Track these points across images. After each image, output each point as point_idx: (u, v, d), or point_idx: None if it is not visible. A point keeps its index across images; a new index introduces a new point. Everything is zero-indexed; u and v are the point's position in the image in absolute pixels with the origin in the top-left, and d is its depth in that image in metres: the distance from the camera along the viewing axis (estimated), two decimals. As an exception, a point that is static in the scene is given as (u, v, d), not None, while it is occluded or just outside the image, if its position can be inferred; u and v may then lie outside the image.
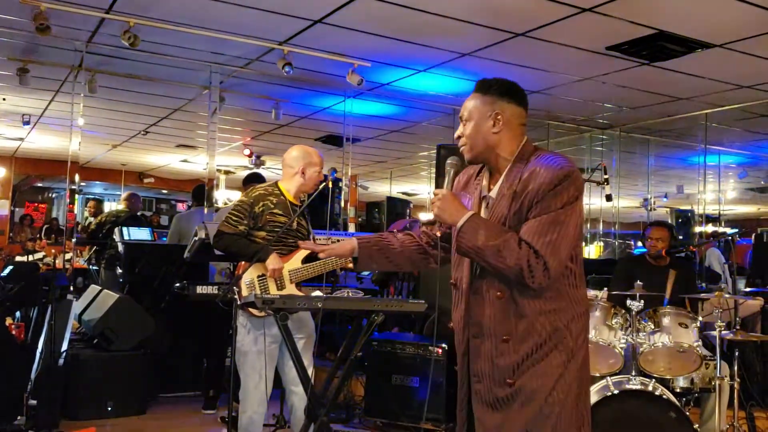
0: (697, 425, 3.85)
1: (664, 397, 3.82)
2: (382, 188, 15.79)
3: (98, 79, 7.10)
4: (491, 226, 2.22)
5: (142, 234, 7.24)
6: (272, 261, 3.61)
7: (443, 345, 5.01)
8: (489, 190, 2.36)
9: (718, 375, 4.10)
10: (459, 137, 2.36)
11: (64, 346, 5.01)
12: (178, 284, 4.81)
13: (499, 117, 2.29)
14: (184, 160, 13.66)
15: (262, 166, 12.36)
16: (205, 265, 5.67)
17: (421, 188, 15.95)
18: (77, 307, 5.76)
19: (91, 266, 8.15)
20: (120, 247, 6.82)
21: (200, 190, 7.11)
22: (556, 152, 2.32)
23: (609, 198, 6.34)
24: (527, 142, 2.34)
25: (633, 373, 4.06)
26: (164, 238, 8.05)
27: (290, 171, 3.82)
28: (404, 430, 4.89)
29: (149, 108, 9.04)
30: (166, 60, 6.79)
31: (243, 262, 3.68)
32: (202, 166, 10.91)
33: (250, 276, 3.62)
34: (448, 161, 2.41)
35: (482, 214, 2.35)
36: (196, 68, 7.05)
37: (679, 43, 5.69)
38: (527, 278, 2.13)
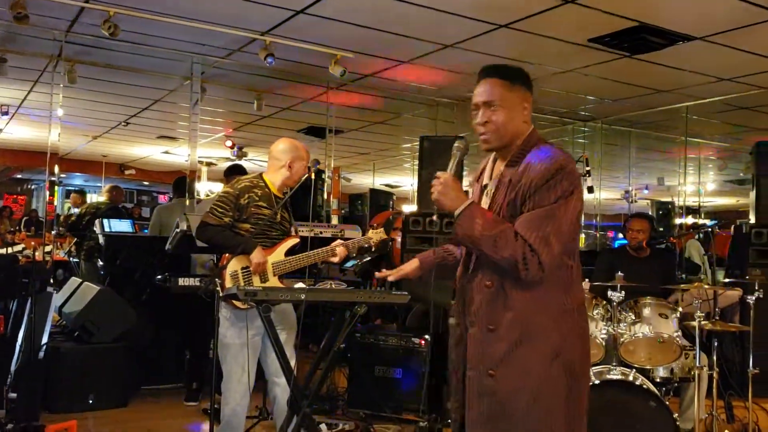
0: (676, 414, 3.90)
1: (644, 386, 3.86)
2: (365, 180, 15.77)
3: (78, 69, 7.01)
4: (488, 216, 2.22)
5: (123, 226, 7.18)
6: (257, 255, 3.59)
7: (426, 336, 5.02)
8: (491, 177, 2.38)
9: (697, 365, 4.14)
10: (486, 122, 2.29)
11: (45, 339, 4.96)
12: (159, 276, 4.78)
13: (528, 107, 2.34)
14: (166, 152, 13.56)
15: (244, 158, 12.30)
16: (187, 257, 5.64)
17: (404, 180, 15.96)
18: (58, 299, 5.70)
19: (71, 258, 8.08)
20: (101, 239, 6.77)
21: (181, 182, 7.06)
22: (555, 145, 2.33)
23: (590, 190, 6.40)
24: (533, 130, 2.37)
25: (614, 363, 4.10)
26: (146, 230, 8.00)
27: (277, 164, 3.80)
28: (387, 420, 4.91)
29: (130, 99, 8.95)
30: (146, 50, 6.72)
31: (227, 254, 3.66)
32: (183, 157, 10.84)
33: (233, 268, 3.61)
34: (456, 143, 2.38)
35: (483, 201, 2.36)
36: (177, 59, 6.99)
37: (660, 36, 5.73)
38: (521, 271, 2.13)
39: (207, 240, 3.71)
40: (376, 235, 3.94)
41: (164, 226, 6.52)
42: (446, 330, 5.15)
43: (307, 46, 6.34)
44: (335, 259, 3.76)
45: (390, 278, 2.79)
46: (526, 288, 2.19)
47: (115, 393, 5.22)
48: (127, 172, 16.01)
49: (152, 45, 6.57)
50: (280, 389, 3.70)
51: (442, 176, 2.26)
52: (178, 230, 5.01)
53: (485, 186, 2.39)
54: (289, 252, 3.77)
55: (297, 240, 3.84)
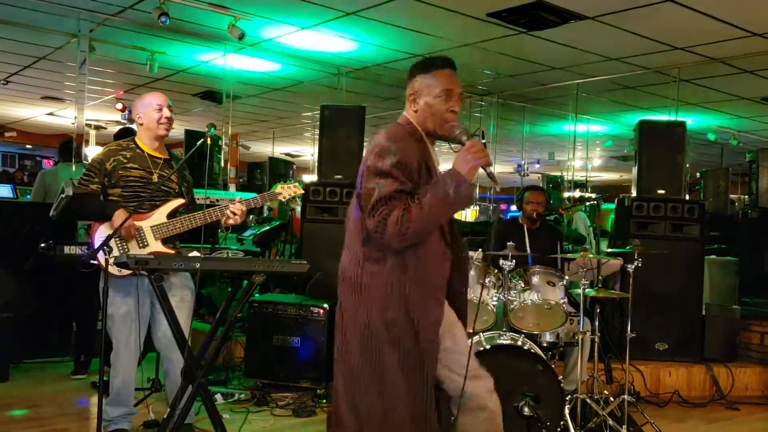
0: (561, 377, 4.10)
1: (532, 351, 4.03)
2: (264, 148, 15.51)
3: (-49, 20, 6.49)
4: None
5: (3, 191, 6.78)
6: (118, 216, 3.40)
7: (325, 305, 5.04)
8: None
9: (580, 330, 4.37)
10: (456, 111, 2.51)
11: None
12: (43, 244, 4.54)
13: None
14: (51, 114, 12.83)
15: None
16: (73, 224, 5.38)
17: (305, 149, 15.80)
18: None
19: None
20: (-22, 205, 6.34)
21: (68, 145, 6.70)
22: None
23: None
24: None
25: (504, 329, 4.26)
26: (28, 196, 7.57)
27: (138, 123, 3.73)
28: (284, 389, 4.91)
29: (9, 55, 8.39)
30: (28, 3, 6.29)
31: (96, 223, 3.51)
32: (70, 120, 10.32)
33: (103, 234, 3.44)
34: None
35: None
36: (62, 14, 6.57)
37: (555, 14, 5.90)
38: None
39: (76, 211, 3.58)
40: (286, 190, 3.76)
41: (49, 191, 6.19)
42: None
43: (203, 7, 6.12)
44: (231, 221, 3.58)
45: None
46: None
47: (-6, 367, 4.95)
48: (7, 135, 15.08)
49: (35, -2, 6.16)
50: (172, 364, 3.60)
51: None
52: (63, 195, 4.74)
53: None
54: (174, 214, 3.61)
55: (182, 201, 3.66)
